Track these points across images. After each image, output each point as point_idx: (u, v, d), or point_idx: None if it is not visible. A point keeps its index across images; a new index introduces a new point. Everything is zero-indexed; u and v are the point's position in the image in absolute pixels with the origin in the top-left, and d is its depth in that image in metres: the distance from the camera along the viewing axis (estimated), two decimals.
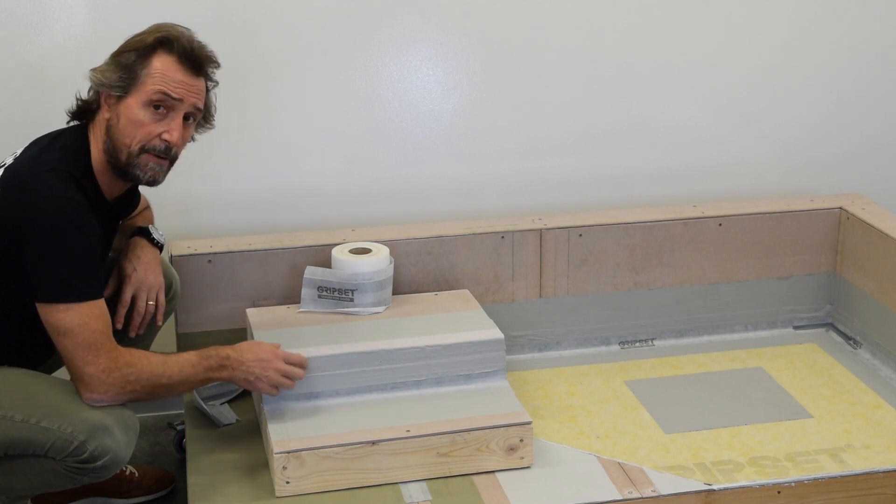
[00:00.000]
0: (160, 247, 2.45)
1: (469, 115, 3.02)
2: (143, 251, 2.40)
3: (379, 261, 2.63)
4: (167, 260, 2.62)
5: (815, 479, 2.32)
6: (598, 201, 3.12)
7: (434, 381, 2.48)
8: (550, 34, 2.99)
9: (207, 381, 2.26)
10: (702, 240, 2.95)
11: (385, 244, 2.71)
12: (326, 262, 2.69)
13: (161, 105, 2.18)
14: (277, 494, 2.25)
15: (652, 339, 3.00)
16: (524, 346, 2.93)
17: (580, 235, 2.88)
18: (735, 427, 2.57)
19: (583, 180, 3.12)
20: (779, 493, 2.30)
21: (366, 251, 2.66)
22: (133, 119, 2.17)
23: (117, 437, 2.12)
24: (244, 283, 2.73)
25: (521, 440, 2.34)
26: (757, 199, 3.10)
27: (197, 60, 2.21)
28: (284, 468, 2.23)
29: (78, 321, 2.09)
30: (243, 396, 2.62)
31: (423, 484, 2.29)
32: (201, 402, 2.55)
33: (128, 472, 2.62)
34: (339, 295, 2.61)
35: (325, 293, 2.62)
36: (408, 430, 2.30)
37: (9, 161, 2.22)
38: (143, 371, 2.15)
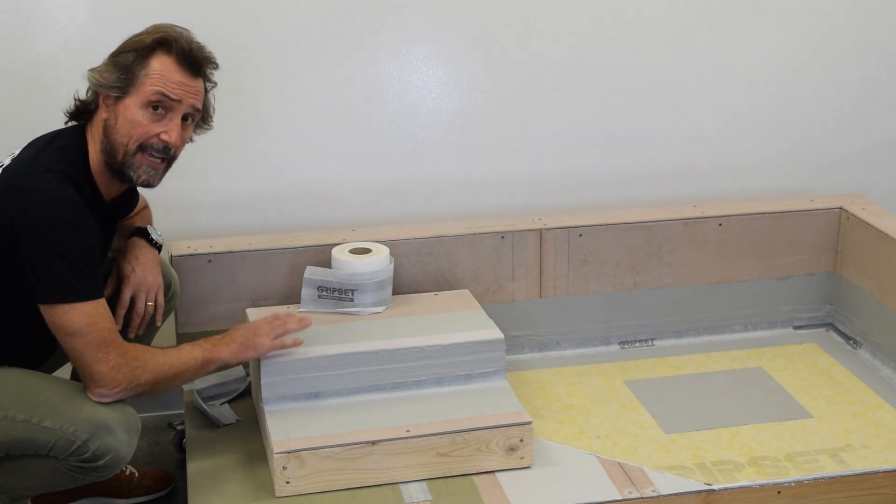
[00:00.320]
0: (159, 247, 2.45)
1: (469, 115, 3.02)
2: (142, 252, 2.40)
3: (379, 261, 2.63)
4: (167, 260, 2.62)
5: (815, 479, 2.32)
6: (598, 201, 3.12)
7: (434, 381, 2.48)
8: (550, 34, 2.99)
9: (208, 363, 2.26)
10: (702, 240, 2.95)
11: (385, 244, 2.71)
12: (326, 262, 2.69)
13: (159, 106, 2.18)
14: (277, 494, 2.25)
15: (652, 339, 3.00)
16: (524, 346, 2.93)
17: (580, 235, 2.88)
18: (735, 427, 2.57)
19: (583, 180, 3.12)
20: (779, 493, 2.30)
21: (366, 251, 2.66)
22: (131, 119, 2.17)
23: (119, 437, 2.12)
24: (244, 283, 2.73)
25: (521, 440, 2.34)
26: (757, 199, 3.10)
27: (195, 61, 2.21)
28: (284, 468, 2.23)
29: (86, 321, 2.09)
30: (243, 396, 2.62)
31: (423, 484, 2.29)
32: (201, 402, 2.55)
33: (128, 472, 2.62)
34: (339, 295, 2.61)
35: (325, 293, 2.62)
36: (408, 430, 2.30)
37: (7, 161, 2.21)
38: (149, 364, 2.17)
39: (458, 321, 2.59)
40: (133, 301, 2.36)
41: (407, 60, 2.96)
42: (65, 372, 2.41)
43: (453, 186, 3.06)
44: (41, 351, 2.29)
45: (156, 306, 2.39)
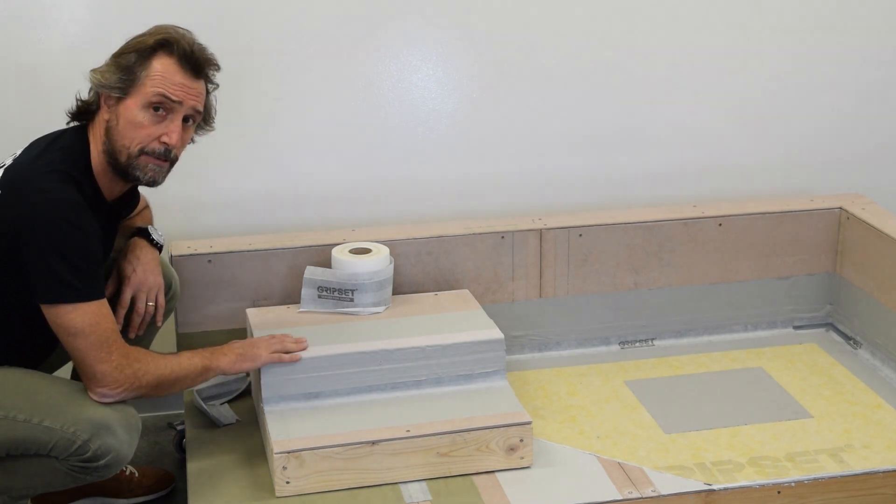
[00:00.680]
0: (159, 247, 2.45)
1: (469, 115, 3.02)
2: (143, 252, 2.40)
3: (379, 261, 2.63)
4: (167, 260, 2.62)
5: (815, 479, 2.32)
6: (598, 201, 3.12)
7: (434, 381, 2.48)
8: (550, 34, 2.99)
9: (207, 371, 2.26)
10: (702, 240, 2.95)
11: (385, 244, 2.71)
12: (326, 262, 2.69)
13: (160, 107, 2.18)
14: (277, 494, 2.25)
15: (652, 339, 3.00)
16: (524, 346, 2.93)
17: (580, 235, 2.88)
18: (735, 427, 2.57)
19: (583, 180, 3.12)
20: (779, 493, 2.30)
21: (366, 251, 2.66)
22: (132, 120, 2.17)
23: (120, 436, 2.12)
24: (244, 283, 2.73)
25: (521, 440, 2.34)
26: (757, 199, 3.10)
27: (197, 63, 2.21)
28: (284, 468, 2.23)
29: (88, 321, 2.10)
30: (243, 396, 2.62)
31: (423, 484, 2.29)
32: (201, 403, 2.55)
33: (128, 472, 2.62)
34: (339, 295, 2.61)
35: (325, 293, 2.62)
36: (408, 430, 2.30)
37: (8, 162, 2.21)
38: (151, 366, 2.18)
39: (458, 321, 2.59)
40: (133, 301, 2.36)
41: (407, 60, 2.96)
42: (65, 371, 2.42)
43: (453, 186, 3.06)
44: (41, 350, 2.29)
45: (156, 306, 2.39)
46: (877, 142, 3.26)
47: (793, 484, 2.31)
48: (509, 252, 2.85)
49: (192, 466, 2.37)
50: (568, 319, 2.93)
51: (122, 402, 2.16)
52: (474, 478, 2.32)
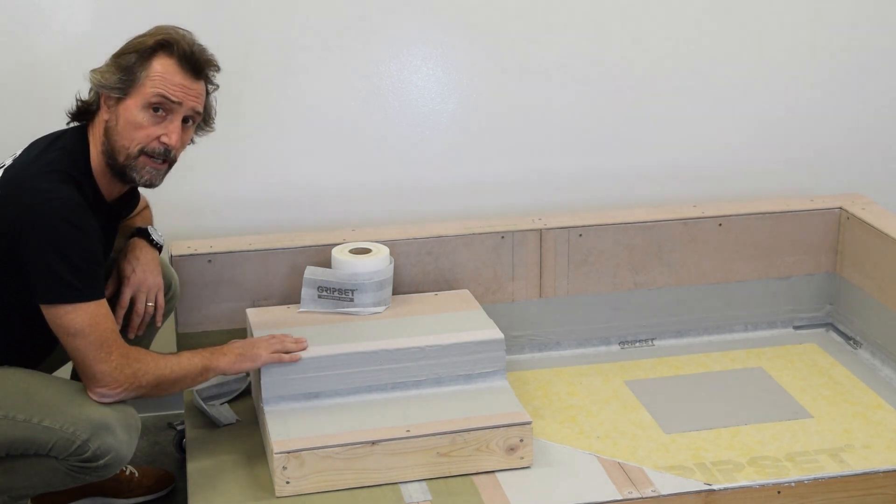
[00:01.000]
0: (159, 248, 2.45)
1: (469, 115, 3.02)
2: (143, 252, 2.40)
3: (379, 261, 2.63)
4: (167, 260, 2.62)
5: (815, 479, 2.32)
6: (598, 201, 3.12)
7: (434, 381, 2.48)
8: (550, 34, 2.99)
9: (207, 371, 2.26)
10: (702, 240, 2.95)
11: (385, 244, 2.71)
12: (326, 262, 2.69)
13: (160, 108, 2.18)
14: (277, 494, 2.25)
15: (652, 339, 3.00)
16: (524, 346, 2.93)
17: (580, 235, 2.88)
18: (735, 427, 2.57)
19: (583, 180, 3.12)
20: (779, 493, 2.30)
21: (366, 251, 2.66)
22: (132, 121, 2.17)
23: (119, 436, 2.12)
24: (244, 283, 2.73)
25: (521, 440, 2.34)
26: (757, 199, 3.10)
27: (197, 63, 2.21)
28: (284, 468, 2.23)
29: (88, 321, 2.10)
30: (243, 396, 2.62)
31: (423, 484, 2.29)
32: (201, 402, 2.55)
33: (128, 472, 2.62)
34: (339, 295, 2.61)
35: (325, 293, 2.62)
36: (408, 430, 2.30)
37: (8, 162, 2.22)
38: (150, 366, 2.18)
39: (458, 321, 2.59)
40: (133, 301, 2.36)
41: (407, 60, 2.96)
42: (65, 371, 2.42)
43: (453, 186, 3.06)
44: (41, 350, 2.29)
45: (156, 307, 2.39)
46: (877, 142, 3.26)
47: (793, 484, 2.31)
48: (509, 252, 2.85)
49: (192, 466, 2.37)
50: (568, 319, 2.93)
51: (122, 402, 2.16)
52: (474, 478, 2.32)
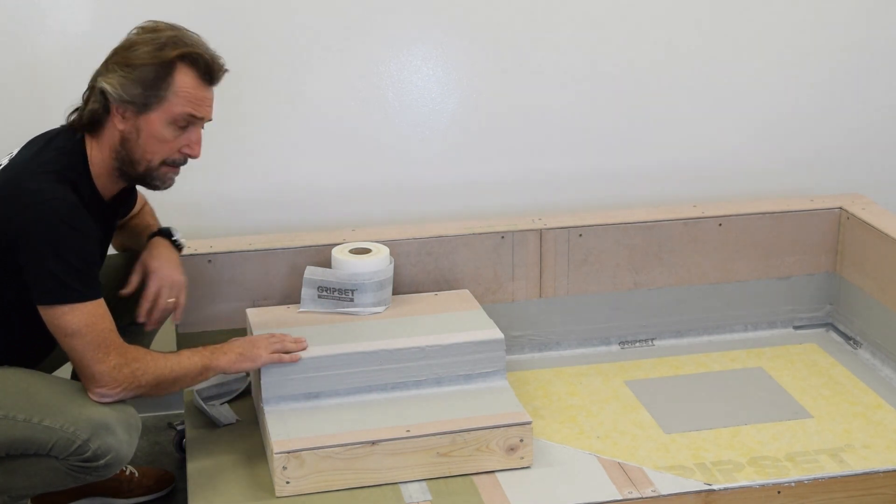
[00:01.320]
0: (180, 249, 2.47)
1: (469, 115, 3.02)
2: (167, 251, 2.44)
3: (379, 261, 2.63)
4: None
5: (815, 479, 2.32)
6: (598, 201, 3.12)
7: (434, 381, 2.48)
8: (550, 34, 2.99)
9: (207, 370, 2.26)
10: (702, 240, 2.95)
11: (385, 244, 2.71)
12: (326, 262, 2.69)
13: (188, 125, 2.19)
14: (277, 494, 2.25)
15: (652, 339, 3.00)
16: (524, 346, 2.93)
17: (580, 235, 2.88)
18: (735, 427, 2.57)
19: (583, 180, 3.12)
20: (779, 493, 2.30)
21: (366, 251, 2.66)
22: (156, 135, 2.17)
23: (120, 436, 2.12)
24: (244, 283, 2.73)
25: (521, 440, 2.34)
26: (757, 199, 3.10)
27: (215, 75, 2.22)
28: (284, 468, 2.23)
29: (85, 321, 2.10)
30: (243, 396, 2.62)
31: (423, 484, 2.29)
32: (201, 402, 2.55)
33: (128, 472, 2.63)
34: (339, 295, 2.61)
35: (325, 293, 2.62)
36: (408, 430, 2.30)
37: (4, 162, 2.21)
38: (149, 366, 2.18)
39: (458, 321, 2.59)
40: (157, 295, 2.37)
41: (407, 60, 2.96)
42: (65, 371, 2.41)
43: (453, 186, 3.06)
44: (40, 350, 2.29)
45: (176, 304, 2.40)
46: (877, 142, 3.26)
47: (793, 484, 2.31)
48: (509, 252, 2.85)
49: (192, 466, 2.37)
50: (568, 319, 2.93)
51: (122, 401, 2.16)
52: (474, 478, 2.32)
